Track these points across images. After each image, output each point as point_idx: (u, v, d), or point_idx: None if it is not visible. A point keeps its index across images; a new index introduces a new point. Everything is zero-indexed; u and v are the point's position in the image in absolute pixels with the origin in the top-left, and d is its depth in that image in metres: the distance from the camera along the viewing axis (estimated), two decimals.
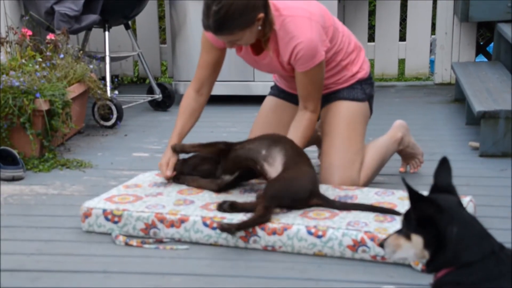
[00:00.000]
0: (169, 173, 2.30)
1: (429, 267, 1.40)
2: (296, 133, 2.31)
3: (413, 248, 1.39)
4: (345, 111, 2.43)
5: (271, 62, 2.32)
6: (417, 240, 1.38)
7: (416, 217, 1.37)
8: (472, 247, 1.34)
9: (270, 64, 2.34)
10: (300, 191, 2.05)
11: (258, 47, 2.30)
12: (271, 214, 2.01)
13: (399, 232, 1.43)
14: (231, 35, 2.14)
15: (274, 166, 2.12)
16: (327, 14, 2.34)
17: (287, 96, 2.53)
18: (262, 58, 2.33)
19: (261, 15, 2.14)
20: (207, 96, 2.43)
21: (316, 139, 2.66)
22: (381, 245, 1.46)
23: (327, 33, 2.29)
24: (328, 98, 2.46)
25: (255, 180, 2.29)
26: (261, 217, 1.99)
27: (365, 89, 2.48)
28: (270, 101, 2.58)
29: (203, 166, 2.30)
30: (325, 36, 2.28)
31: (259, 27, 2.17)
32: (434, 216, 1.35)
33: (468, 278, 1.33)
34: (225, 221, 2.01)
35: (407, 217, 1.42)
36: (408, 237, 1.40)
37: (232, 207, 2.05)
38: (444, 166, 1.46)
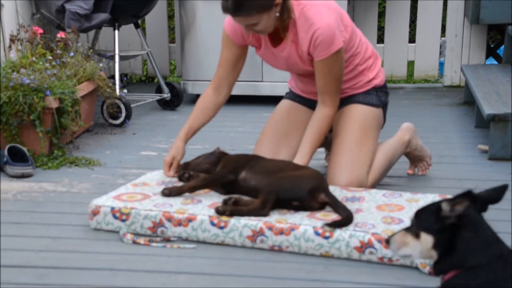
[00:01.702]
0: (171, 173, 2.34)
1: (436, 268, 1.40)
2: (310, 128, 2.32)
3: (420, 247, 1.40)
4: (359, 115, 2.43)
5: (290, 54, 2.32)
6: (427, 239, 1.39)
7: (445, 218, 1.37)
8: (480, 250, 1.34)
9: (288, 58, 2.34)
10: (299, 184, 2.05)
11: (276, 38, 2.31)
12: (268, 209, 2.02)
13: (407, 229, 1.44)
14: (249, 17, 2.15)
15: None
16: (346, 15, 2.36)
17: (302, 100, 2.54)
18: (280, 50, 2.33)
19: (279, 0, 2.16)
20: (226, 95, 2.44)
21: (325, 141, 2.66)
22: (387, 241, 1.47)
23: (346, 30, 2.31)
24: (343, 102, 2.46)
25: None
26: (257, 210, 2.01)
27: (380, 96, 2.49)
28: (284, 103, 2.59)
29: (205, 166, 2.30)
30: (343, 27, 2.28)
31: (277, 14, 2.18)
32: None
33: (475, 281, 1.33)
34: (232, 221, 2.02)
35: (419, 215, 1.42)
36: (417, 235, 1.40)
37: (236, 203, 2.06)
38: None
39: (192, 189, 2.20)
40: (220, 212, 2.02)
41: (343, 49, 2.27)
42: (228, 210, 2.02)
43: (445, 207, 1.38)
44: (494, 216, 2.24)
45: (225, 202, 2.08)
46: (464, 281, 1.34)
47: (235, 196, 2.13)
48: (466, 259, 1.35)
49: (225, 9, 2.16)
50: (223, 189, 2.22)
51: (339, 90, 2.35)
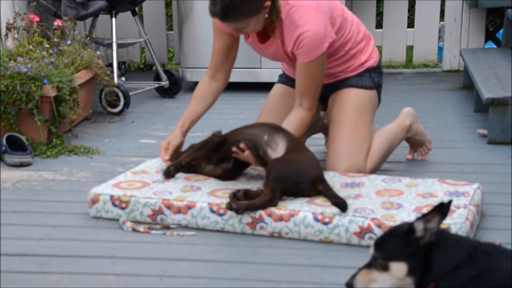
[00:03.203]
0: (166, 157, 2.34)
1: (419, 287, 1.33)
2: (286, 126, 2.29)
3: (391, 279, 1.32)
4: (353, 98, 2.43)
5: (277, 50, 2.32)
6: (399, 268, 1.31)
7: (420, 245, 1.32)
8: (454, 252, 1.31)
9: (276, 53, 2.34)
10: (304, 172, 2.05)
11: (264, 35, 2.30)
12: (277, 198, 2.01)
13: (368, 266, 1.35)
14: (237, 23, 2.14)
15: (277, 151, 2.12)
16: (336, 3, 2.33)
17: (295, 83, 2.52)
18: (267, 47, 2.33)
19: (268, 3, 2.14)
20: (223, 82, 2.43)
21: (322, 126, 2.66)
22: (349, 285, 1.35)
23: (334, 23, 2.29)
24: (336, 86, 2.45)
25: (262, 168, 2.28)
26: (269, 201, 2.00)
27: (373, 78, 2.47)
28: (278, 88, 2.59)
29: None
30: (331, 27, 2.27)
31: (266, 15, 2.16)
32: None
33: (465, 276, 1.29)
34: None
35: (380, 245, 1.34)
36: (385, 268, 1.32)
37: (246, 195, 2.03)
38: None
39: (188, 160, 2.21)
40: (234, 209, 1.99)
41: (325, 53, 2.26)
42: (242, 207, 1.99)
43: (418, 226, 1.31)
44: (493, 200, 2.25)
45: (234, 195, 2.03)
46: (446, 285, 1.29)
47: (237, 187, 2.09)
48: (445, 267, 1.30)
49: (213, 14, 2.15)
50: (221, 170, 2.21)
51: (318, 92, 2.33)
